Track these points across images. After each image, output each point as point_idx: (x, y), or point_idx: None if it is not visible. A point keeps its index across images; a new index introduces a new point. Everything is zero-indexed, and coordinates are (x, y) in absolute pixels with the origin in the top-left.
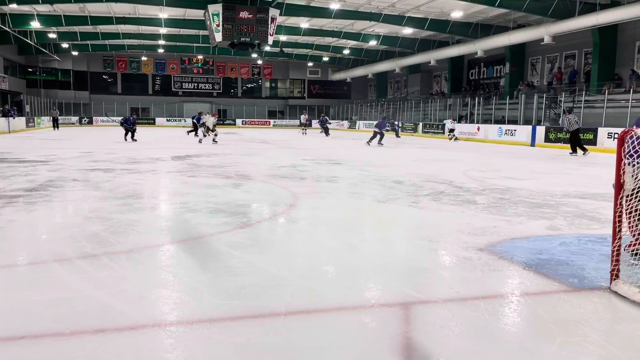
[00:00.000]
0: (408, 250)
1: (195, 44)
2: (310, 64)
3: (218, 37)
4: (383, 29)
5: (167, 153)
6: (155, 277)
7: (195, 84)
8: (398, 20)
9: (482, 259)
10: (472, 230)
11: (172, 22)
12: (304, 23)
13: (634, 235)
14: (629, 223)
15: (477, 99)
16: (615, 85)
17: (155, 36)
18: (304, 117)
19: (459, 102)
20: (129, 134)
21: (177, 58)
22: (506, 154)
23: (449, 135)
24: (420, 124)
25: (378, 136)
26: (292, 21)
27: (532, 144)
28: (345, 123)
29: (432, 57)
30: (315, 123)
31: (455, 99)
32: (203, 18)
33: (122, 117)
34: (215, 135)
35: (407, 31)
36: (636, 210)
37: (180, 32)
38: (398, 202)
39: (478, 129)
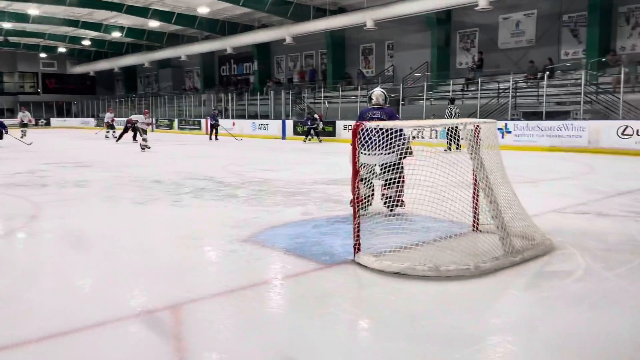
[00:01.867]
0: (174, 251)
1: None
2: (43, 55)
3: None
4: (127, 20)
5: None
6: None
7: None
8: (143, 12)
9: (247, 250)
10: (235, 223)
11: None
12: (33, 9)
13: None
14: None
15: (229, 95)
16: (346, 82)
17: None
18: (109, 116)
19: (212, 98)
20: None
21: None
22: (261, 147)
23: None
24: (176, 120)
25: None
26: (17, 7)
27: (283, 137)
28: (92, 120)
29: (182, 52)
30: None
31: (209, 94)
32: None
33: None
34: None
35: (154, 24)
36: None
37: None
38: (158, 203)
39: (233, 124)
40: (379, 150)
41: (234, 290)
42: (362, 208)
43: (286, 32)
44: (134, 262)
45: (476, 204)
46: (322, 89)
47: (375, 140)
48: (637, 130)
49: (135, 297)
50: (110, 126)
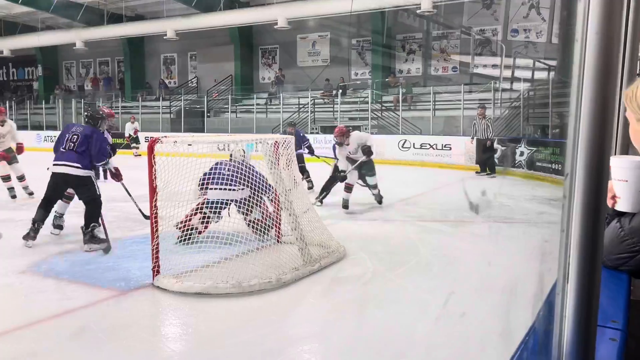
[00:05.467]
0: None
1: None
2: None
3: None
4: None
5: None
6: None
7: None
8: None
9: (25, 282)
10: (12, 252)
11: None
12: None
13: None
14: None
15: (8, 102)
16: (147, 92)
17: None
18: (130, 127)
19: None
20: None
21: None
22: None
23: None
24: None
25: None
26: None
27: None
28: None
29: None
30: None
31: None
32: None
33: None
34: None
35: None
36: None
37: None
38: None
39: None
40: (231, 185)
41: (8, 332)
42: (184, 238)
43: (76, 36)
44: None
45: (278, 216)
46: (120, 99)
47: (227, 175)
48: (414, 144)
49: None
50: (135, 140)
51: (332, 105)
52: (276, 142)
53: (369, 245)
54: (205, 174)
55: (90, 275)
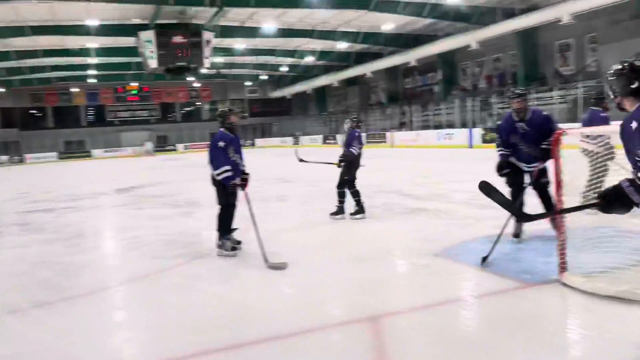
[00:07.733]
0: (366, 265)
1: (128, 72)
2: (248, 83)
3: (153, 63)
4: (318, 44)
5: (109, 186)
6: (116, 319)
7: (132, 112)
8: (331, 35)
9: (440, 264)
10: (426, 237)
11: (102, 51)
12: (239, 44)
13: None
14: None
15: (413, 106)
16: (540, 83)
17: (85, 66)
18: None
19: (397, 111)
20: None
21: (111, 87)
22: (446, 158)
23: None
24: (364, 134)
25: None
26: (227, 42)
27: (470, 146)
28: (289, 139)
29: (368, 69)
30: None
31: (393, 108)
32: (135, 45)
33: None
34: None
35: (342, 45)
36: None
37: (111, 60)
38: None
39: (417, 135)
40: None
41: (429, 306)
42: None
43: (471, 38)
44: (333, 275)
45: None
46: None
47: None
48: None
49: (338, 307)
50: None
51: None
52: None
53: None
54: None
55: (495, 264)
